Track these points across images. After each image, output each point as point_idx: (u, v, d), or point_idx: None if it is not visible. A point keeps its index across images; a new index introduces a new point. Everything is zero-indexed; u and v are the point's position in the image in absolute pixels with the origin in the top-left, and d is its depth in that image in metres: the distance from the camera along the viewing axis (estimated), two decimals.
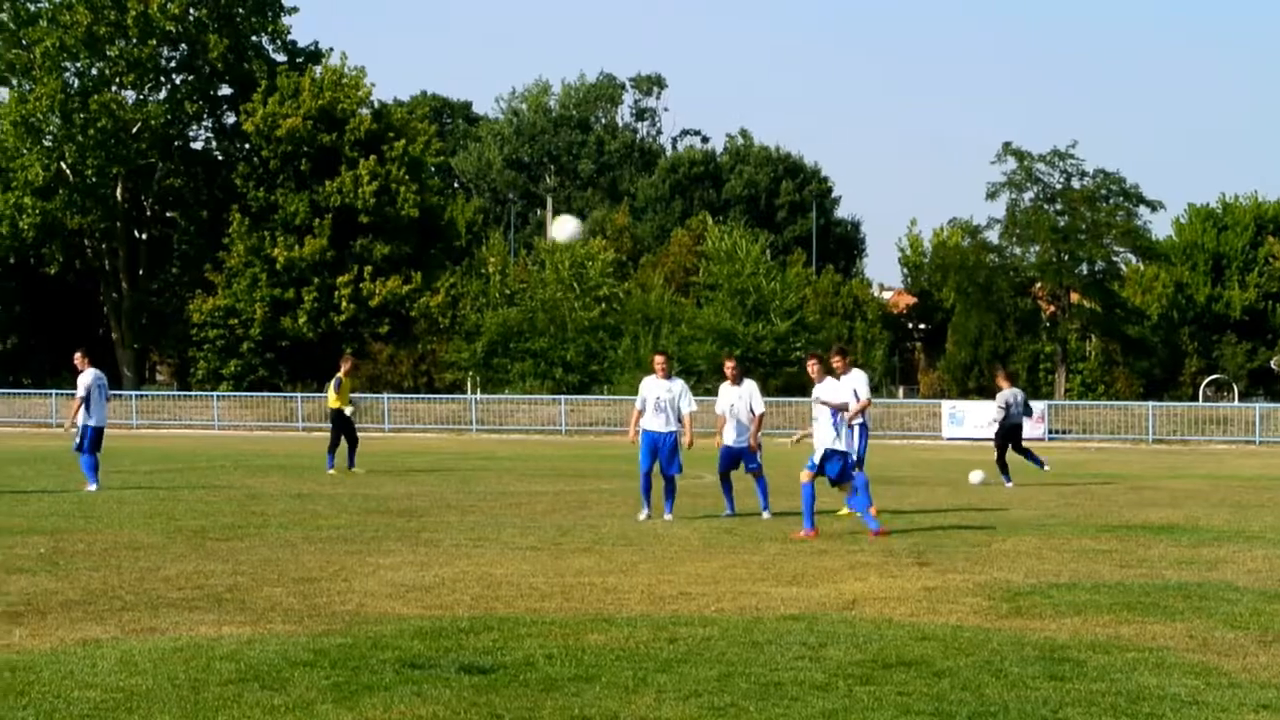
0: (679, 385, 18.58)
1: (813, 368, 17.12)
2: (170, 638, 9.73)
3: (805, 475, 16.45)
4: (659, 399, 18.33)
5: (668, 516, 18.16)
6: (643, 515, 18.14)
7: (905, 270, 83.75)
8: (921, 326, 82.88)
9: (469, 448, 41.44)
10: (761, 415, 18.70)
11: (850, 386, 18.55)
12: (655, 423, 18.31)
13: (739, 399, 18.59)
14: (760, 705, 7.85)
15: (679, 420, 18.37)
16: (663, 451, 18.27)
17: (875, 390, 43.24)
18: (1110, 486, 25.68)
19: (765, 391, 20.81)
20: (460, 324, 64.48)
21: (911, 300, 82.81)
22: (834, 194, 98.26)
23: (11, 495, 21.62)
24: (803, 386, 54.44)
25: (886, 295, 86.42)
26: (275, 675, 8.50)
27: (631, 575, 12.93)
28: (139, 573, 12.90)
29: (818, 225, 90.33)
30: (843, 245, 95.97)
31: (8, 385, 63.87)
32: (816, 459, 16.45)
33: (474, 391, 64.91)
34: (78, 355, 23.21)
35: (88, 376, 22.59)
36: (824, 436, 16.46)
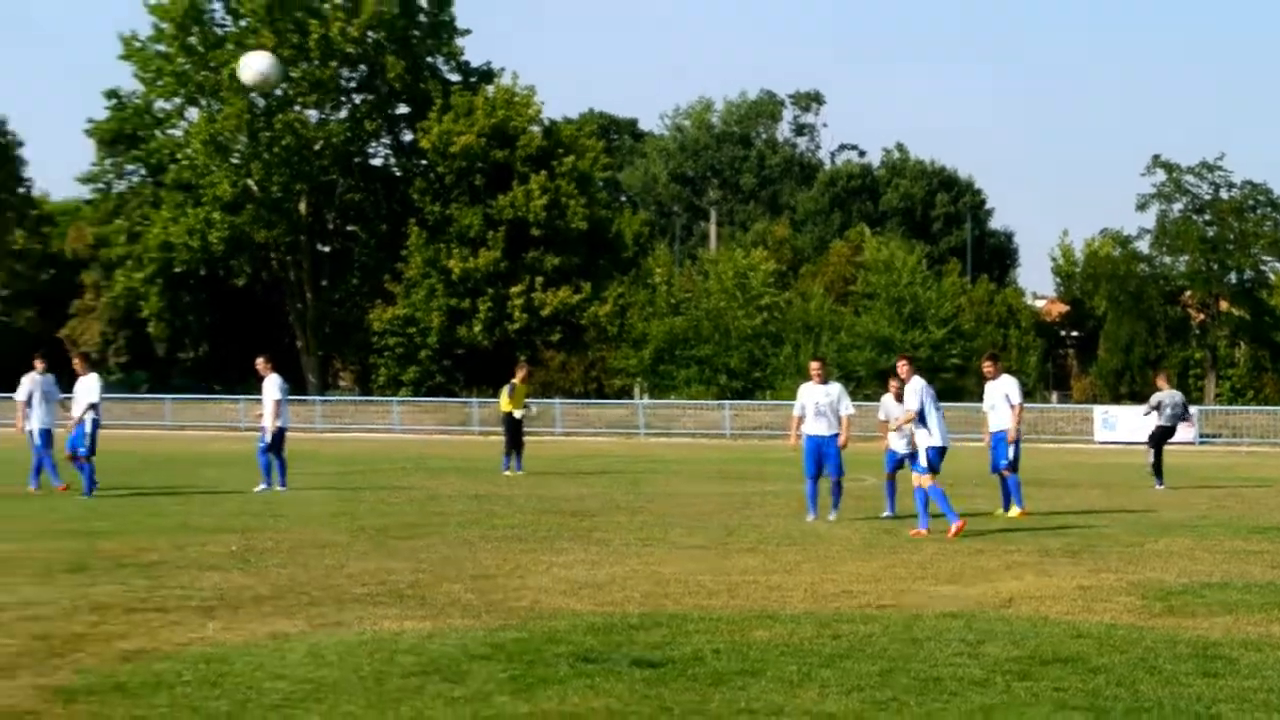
0: (836, 389, 18.77)
1: (903, 368, 17.45)
2: (355, 631, 10.04)
3: (926, 479, 16.67)
4: (818, 404, 18.54)
5: (831, 517, 18.39)
6: (810, 518, 18.38)
7: (1057, 279, 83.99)
8: (1074, 334, 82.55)
9: (637, 451, 41.79)
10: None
11: (1002, 391, 19.33)
12: (817, 427, 18.54)
13: (902, 414, 18.78)
14: (920, 700, 7.98)
15: (839, 423, 18.60)
16: (826, 455, 18.52)
17: (1029, 395, 42.81)
18: (1261, 490, 25.43)
19: None
20: (628, 332, 65.15)
21: (1064, 308, 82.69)
22: (987, 206, 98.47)
23: (204, 496, 22.51)
24: (955, 391, 54.38)
25: (1039, 303, 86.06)
26: (455, 668, 8.76)
27: (795, 574, 13.17)
28: (325, 569, 13.36)
29: (972, 236, 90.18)
30: (996, 255, 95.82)
31: (200, 391, 65.98)
32: (922, 461, 16.72)
33: (642, 396, 65.46)
34: (261, 361, 23.95)
35: (276, 379, 23.48)
36: (920, 436, 16.95)
